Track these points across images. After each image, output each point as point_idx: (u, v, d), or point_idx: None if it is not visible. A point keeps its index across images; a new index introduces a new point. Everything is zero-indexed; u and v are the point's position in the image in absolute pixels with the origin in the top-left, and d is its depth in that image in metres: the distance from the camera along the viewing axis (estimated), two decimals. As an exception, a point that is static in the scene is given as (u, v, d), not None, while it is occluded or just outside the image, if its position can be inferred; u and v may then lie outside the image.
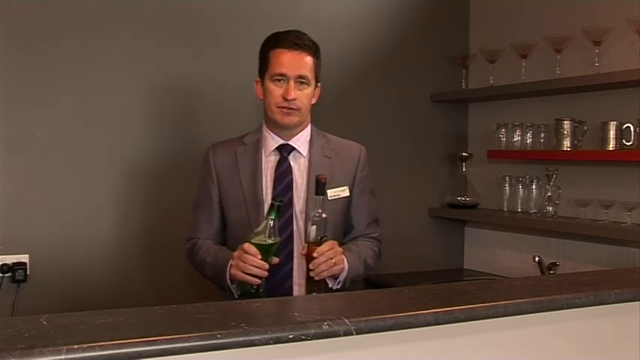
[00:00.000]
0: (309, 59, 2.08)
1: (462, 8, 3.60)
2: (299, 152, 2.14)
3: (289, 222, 2.08)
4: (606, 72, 2.78)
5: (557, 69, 3.00)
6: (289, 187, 2.10)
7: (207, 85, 2.97)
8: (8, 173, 2.64)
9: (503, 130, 3.25)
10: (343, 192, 2.14)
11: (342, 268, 2.01)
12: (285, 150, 2.13)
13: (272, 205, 1.90)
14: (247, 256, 1.91)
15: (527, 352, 1.49)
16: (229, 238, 2.18)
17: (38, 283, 2.67)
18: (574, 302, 1.47)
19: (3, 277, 2.62)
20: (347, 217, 2.18)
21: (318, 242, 1.95)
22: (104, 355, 1.02)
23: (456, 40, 3.58)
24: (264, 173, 2.12)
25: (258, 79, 2.14)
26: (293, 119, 2.08)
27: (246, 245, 1.92)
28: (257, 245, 1.91)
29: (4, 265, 2.61)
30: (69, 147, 2.73)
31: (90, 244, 2.76)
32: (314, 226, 1.95)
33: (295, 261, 2.08)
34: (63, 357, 0.99)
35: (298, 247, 2.08)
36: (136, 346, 1.04)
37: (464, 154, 3.50)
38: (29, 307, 2.62)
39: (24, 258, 2.64)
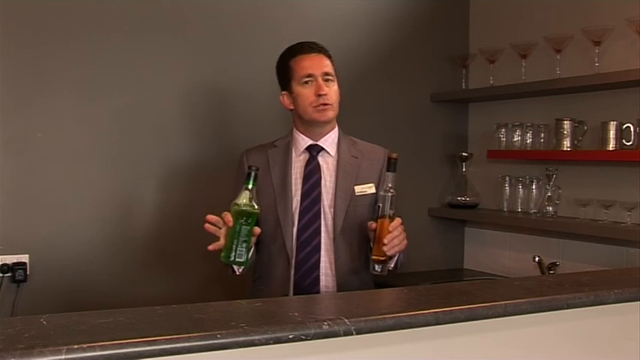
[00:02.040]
0: (327, 60, 2.23)
1: (462, 8, 3.60)
2: (327, 152, 2.25)
3: (317, 216, 2.19)
4: (606, 72, 2.78)
5: (557, 69, 3.00)
6: (318, 183, 2.22)
7: (212, 89, 2.98)
8: (8, 173, 2.64)
9: (503, 130, 3.25)
10: (370, 189, 2.24)
11: (406, 246, 2.07)
12: (314, 150, 2.25)
13: (248, 174, 1.95)
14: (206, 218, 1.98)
15: (527, 352, 1.49)
16: (261, 235, 2.22)
17: (38, 283, 2.66)
18: (574, 302, 1.47)
19: (3, 277, 2.62)
20: (373, 215, 2.22)
21: (389, 217, 2.02)
22: (104, 355, 1.02)
23: (456, 40, 3.58)
24: (293, 171, 2.24)
25: (284, 92, 2.25)
26: (329, 115, 2.20)
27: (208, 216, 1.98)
28: (232, 212, 1.94)
29: (4, 265, 2.61)
30: (69, 147, 2.73)
31: (90, 244, 2.76)
32: (384, 203, 2.02)
33: (322, 253, 2.19)
34: (63, 357, 0.99)
35: (325, 241, 2.19)
36: (136, 346, 1.04)
37: (464, 154, 3.50)
38: (29, 307, 2.62)
39: (24, 258, 2.64)
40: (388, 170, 2.06)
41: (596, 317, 1.55)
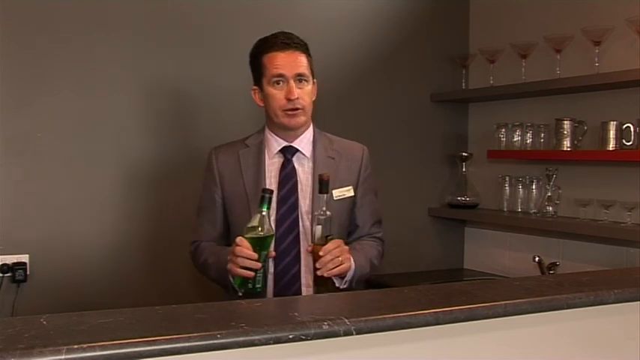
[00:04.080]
0: (302, 57, 2.08)
1: (462, 8, 3.60)
2: (302, 154, 2.14)
3: (295, 224, 2.08)
4: (606, 72, 2.78)
5: (557, 69, 3.00)
6: (294, 188, 2.10)
7: (208, 87, 2.98)
8: (8, 173, 2.64)
9: (503, 130, 3.25)
10: (348, 192, 2.14)
11: (349, 267, 2.00)
12: (288, 152, 2.13)
13: (262, 198, 1.90)
14: (238, 248, 1.90)
15: (527, 352, 1.49)
16: (232, 241, 2.16)
17: (38, 283, 2.67)
18: (574, 302, 1.47)
19: (3, 277, 2.62)
20: (351, 217, 2.18)
21: (324, 241, 1.95)
22: (104, 355, 1.02)
23: (456, 40, 3.58)
24: (267, 175, 2.12)
25: (255, 87, 2.14)
26: (300, 120, 2.08)
27: (239, 239, 1.92)
28: (250, 239, 1.90)
29: (4, 265, 2.61)
30: (69, 147, 2.73)
31: (90, 244, 2.76)
32: (319, 225, 1.96)
33: (303, 262, 2.08)
34: (63, 357, 0.99)
35: (306, 249, 2.08)
36: (136, 346, 1.04)
37: (464, 154, 3.50)
38: (29, 307, 2.62)
39: (24, 258, 2.64)
40: (320, 192, 1.96)
41: (596, 317, 1.55)
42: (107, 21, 2.79)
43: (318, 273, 1.94)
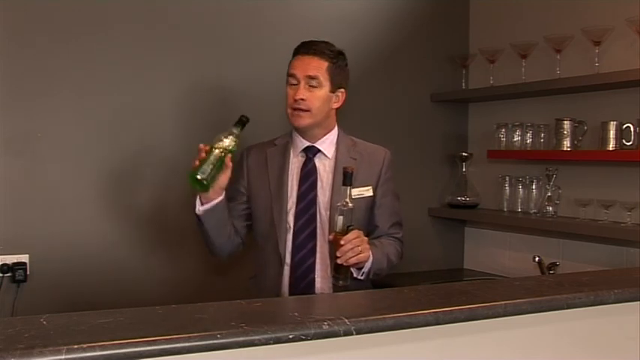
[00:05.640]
0: (322, 62, 2.16)
1: (462, 8, 3.60)
2: (324, 154, 2.23)
3: (313, 218, 2.18)
4: (606, 72, 2.78)
5: (557, 69, 3.00)
6: (314, 185, 2.20)
7: (209, 88, 2.98)
8: (8, 173, 2.64)
9: (503, 130, 3.25)
10: (367, 191, 2.22)
11: (368, 257, 2.08)
12: (311, 151, 2.23)
13: (240, 120, 2.06)
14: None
15: (527, 352, 1.49)
16: (254, 233, 2.29)
17: (38, 283, 2.66)
18: (574, 302, 1.47)
19: (3, 277, 2.62)
20: (370, 217, 2.25)
21: (345, 231, 2.02)
22: (104, 355, 1.02)
23: (456, 40, 3.58)
24: (290, 172, 2.23)
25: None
26: (303, 121, 2.17)
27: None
28: (216, 139, 2.04)
29: (4, 265, 2.61)
30: (69, 147, 2.73)
31: (90, 244, 2.76)
32: (341, 216, 2.02)
33: (318, 255, 2.18)
34: (63, 357, 0.99)
35: (321, 243, 2.17)
36: (136, 346, 1.04)
37: (464, 154, 3.50)
38: (29, 307, 2.62)
39: (24, 258, 2.64)
40: (344, 184, 2.03)
41: (596, 317, 1.55)
42: (107, 20, 2.78)
43: (339, 261, 2.01)
